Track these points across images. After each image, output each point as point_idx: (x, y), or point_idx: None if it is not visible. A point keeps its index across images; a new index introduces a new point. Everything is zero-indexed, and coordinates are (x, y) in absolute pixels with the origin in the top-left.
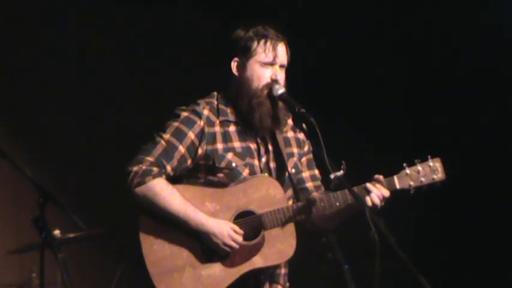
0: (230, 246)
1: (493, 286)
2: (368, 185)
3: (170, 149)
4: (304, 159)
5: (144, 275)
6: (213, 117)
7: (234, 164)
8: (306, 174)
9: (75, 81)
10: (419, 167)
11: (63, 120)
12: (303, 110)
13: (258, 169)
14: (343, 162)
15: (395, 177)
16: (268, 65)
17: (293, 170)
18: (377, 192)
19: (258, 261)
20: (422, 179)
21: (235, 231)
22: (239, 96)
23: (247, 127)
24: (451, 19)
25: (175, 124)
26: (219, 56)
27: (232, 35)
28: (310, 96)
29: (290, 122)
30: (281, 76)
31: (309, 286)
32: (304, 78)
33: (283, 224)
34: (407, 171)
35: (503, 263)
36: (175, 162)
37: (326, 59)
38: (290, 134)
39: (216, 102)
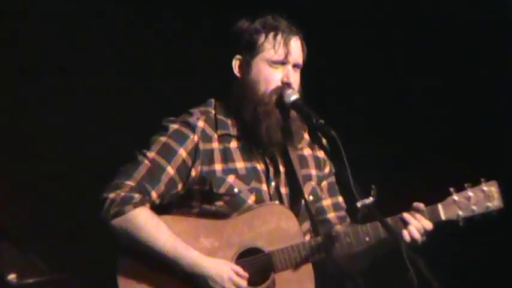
0: None
1: None
2: (405, 215)
3: (156, 171)
4: (324, 183)
5: None
6: (209, 131)
7: (236, 190)
8: (327, 202)
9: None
10: (470, 193)
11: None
12: (322, 122)
13: (266, 195)
14: (373, 186)
15: (439, 206)
16: (278, 64)
17: (311, 197)
18: (417, 225)
19: None
20: (474, 207)
21: (237, 274)
22: (242, 104)
23: (253, 143)
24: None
25: (163, 139)
26: (217, 55)
27: (234, 28)
28: (327, 106)
29: (307, 136)
30: (294, 78)
31: None
32: (318, 83)
33: (298, 265)
34: (455, 197)
35: None
36: (162, 187)
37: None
38: (307, 151)
39: (213, 112)
